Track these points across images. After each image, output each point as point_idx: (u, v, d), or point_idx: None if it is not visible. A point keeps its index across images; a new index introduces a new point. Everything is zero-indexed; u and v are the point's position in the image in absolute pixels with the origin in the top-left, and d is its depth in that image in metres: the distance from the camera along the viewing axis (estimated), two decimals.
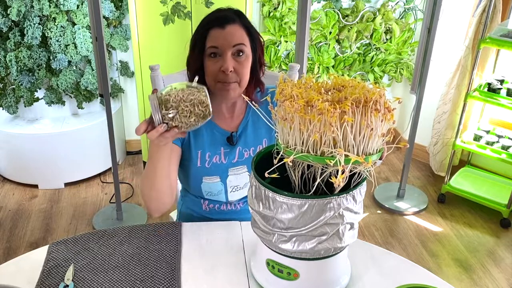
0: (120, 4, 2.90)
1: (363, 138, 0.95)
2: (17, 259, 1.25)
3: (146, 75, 2.91)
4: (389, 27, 3.19)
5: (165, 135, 1.11)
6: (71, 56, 2.73)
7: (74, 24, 2.73)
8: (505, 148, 2.69)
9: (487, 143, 2.75)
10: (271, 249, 1.07)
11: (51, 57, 2.74)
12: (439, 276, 1.22)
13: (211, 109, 1.11)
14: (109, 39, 2.89)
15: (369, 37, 3.18)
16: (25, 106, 2.87)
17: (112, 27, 2.95)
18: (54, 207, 2.83)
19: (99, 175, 3.13)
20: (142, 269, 1.21)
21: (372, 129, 0.95)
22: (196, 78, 1.16)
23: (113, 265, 1.22)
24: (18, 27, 2.68)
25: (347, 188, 1.01)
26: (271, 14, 3.01)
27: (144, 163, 3.10)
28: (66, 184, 3.02)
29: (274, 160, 1.00)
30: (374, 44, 3.21)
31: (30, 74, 2.76)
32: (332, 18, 3.05)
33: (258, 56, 1.37)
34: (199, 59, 1.34)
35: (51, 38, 2.67)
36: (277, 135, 1.04)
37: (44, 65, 2.75)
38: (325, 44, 3.14)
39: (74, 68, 2.83)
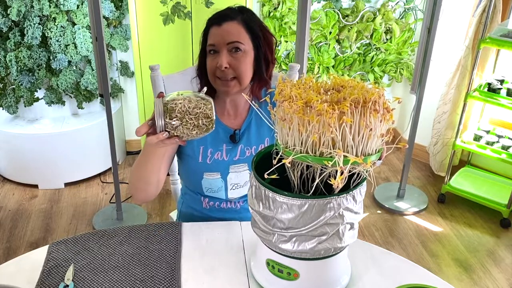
0: (120, 4, 2.90)
1: (362, 138, 0.95)
2: (17, 259, 1.25)
3: (146, 75, 2.91)
4: (389, 27, 3.19)
5: (165, 141, 1.12)
6: (71, 56, 2.73)
7: (74, 24, 2.73)
8: (505, 148, 2.69)
9: (487, 143, 2.75)
10: (271, 249, 1.07)
11: (51, 57, 2.74)
12: (439, 276, 1.22)
13: (214, 123, 1.11)
14: (109, 39, 2.89)
15: (369, 37, 3.18)
16: (25, 106, 2.87)
17: (112, 27, 2.95)
18: (54, 207, 2.83)
19: (99, 175, 3.13)
20: (142, 269, 1.21)
21: (371, 129, 0.95)
22: (205, 89, 1.17)
23: (113, 265, 1.22)
24: (18, 27, 2.68)
25: (347, 188, 1.01)
26: (271, 14, 3.01)
27: None
28: (66, 184, 3.02)
29: (274, 160, 1.00)
30: (374, 44, 3.21)
31: (30, 74, 2.76)
32: (332, 18, 3.05)
33: (263, 54, 1.38)
34: (203, 56, 1.39)
35: (51, 38, 2.67)
36: (276, 135, 1.04)
37: (44, 65, 2.75)
38: (325, 44, 3.14)
39: (74, 68, 2.83)
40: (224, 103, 1.45)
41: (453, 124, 2.93)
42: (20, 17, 2.60)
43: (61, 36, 2.69)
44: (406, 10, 3.21)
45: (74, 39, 2.72)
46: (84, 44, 2.73)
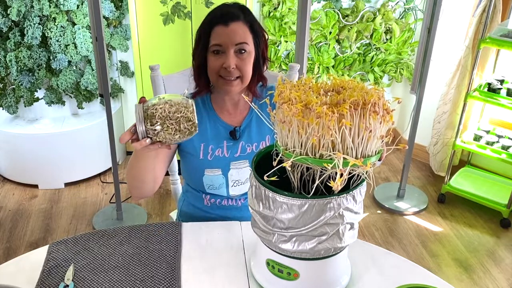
0: (120, 4, 2.90)
1: (362, 140, 0.95)
2: (17, 259, 1.25)
3: (146, 75, 2.90)
4: (389, 27, 3.19)
5: (149, 147, 1.11)
6: (71, 56, 2.73)
7: (74, 24, 2.73)
8: (505, 148, 2.69)
9: (487, 143, 2.75)
10: (271, 249, 1.07)
11: (51, 57, 2.74)
12: (439, 276, 1.22)
13: (197, 126, 1.09)
14: (109, 39, 2.89)
15: (369, 37, 3.18)
16: (25, 106, 2.87)
17: (112, 27, 2.95)
18: (54, 207, 2.83)
19: (99, 175, 3.13)
20: (142, 269, 1.21)
21: (370, 131, 0.95)
22: (186, 91, 1.16)
23: (113, 265, 1.22)
24: (18, 27, 2.68)
25: (347, 188, 1.01)
26: (271, 14, 3.01)
27: None
28: (66, 184, 3.02)
29: (274, 162, 1.00)
30: (374, 44, 3.21)
31: (30, 74, 2.76)
32: (332, 18, 3.05)
33: (261, 51, 1.39)
34: (202, 54, 1.37)
35: (51, 38, 2.67)
36: (276, 137, 1.04)
37: (44, 65, 2.75)
38: (325, 44, 3.14)
39: (74, 68, 2.83)
40: (223, 101, 1.45)
41: (453, 124, 2.93)
42: (20, 17, 2.60)
43: (61, 36, 2.69)
44: (406, 10, 3.21)
45: (74, 39, 2.72)
46: (84, 44, 2.73)
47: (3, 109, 2.87)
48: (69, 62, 2.80)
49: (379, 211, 2.85)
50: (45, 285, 1.14)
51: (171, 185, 1.81)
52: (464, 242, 2.61)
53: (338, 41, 3.18)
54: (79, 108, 2.97)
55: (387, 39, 3.22)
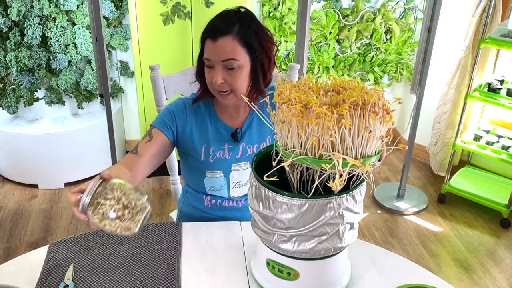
0: (120, 4, 2.90)
1: (362, 140, 0.95)
2: (17, 259, 1.25)
3: (146, 75, 2.91)
4: (389, 27, 3.19)
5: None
6: (71, 56, 2.73)
7: (74, 24, 2.73)
8: (505, 148, 2.69)
9: (487, 143, 2.75)
10: (271, 249, 1.07)
11: (51, 57, 2.74)
12: (439, 276, 1.22)
13: (134, 234, 0.99)
14: (109, 39, 2.89)
15: (369, 37, 3.18)
16: (25, 106, 2.87)
17: (112, 27, 2.95)
18: (54, 207, 2.83)
19: (99, 175, 3.13)
20: (142, 269, 1.21)
21: (370, 131, 0.95)
22: (145, 197, 1.02)
23: (113, 265, 1.22)
24: (18, 27, 2.68)
25: (347, 188, 1.01)
26: (271, 14, 3.01)
27: None
28: (66, 184, 3.02)
29: (273, 162, 1.00)
30: (374, 44, 3.21)
31: (30, 74, 2.76)
32: (332, 18, 3.05)
33: (260, 63, 1.34)
34: (200, 63, 1.37)
35: (51, 38, 2.67)
36: (276, 137, 1.04)
37: (44, 65, 2.75)
38: (325, 44, 3.14)
39: (74, 68, 2.83)
40: (226, 105, 1.44)
41: (453, 124, 2.93)
42: (20, 17, 2.60)
43: (61, 36, 2.69)
44: (406, 10, 3.21)
45: (74, 39, 2.72)
46: (84, 44, 2.73)
47: (3, 109, 2.87)
48: (69, 62, 2.80)
49: (379, 211, 2.85)
50: (45, 285, 1.14)
51: (171, 185, 1.81)
52: (464, 242, 2.61)
53: (338, 41, 3.18)
54: (79, 108, 2.97)
55: (387, 39, 3.22)
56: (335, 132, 0.93)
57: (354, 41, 3.16)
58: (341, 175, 0.92)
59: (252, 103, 1.18)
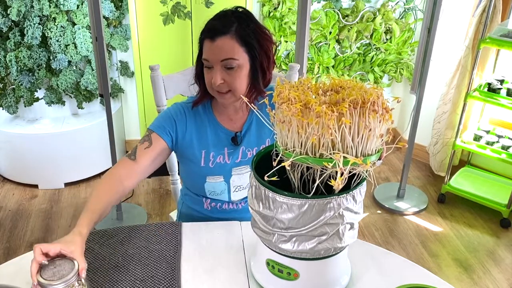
0: (120, 4, 2.90)
1: (362, 139, 0.95)
2: (17, 259, 1.25)
3: (146, 75, 2.91)
4: (389, 27, 3.19)
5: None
6: (71, 56, 2.73)
7: (74, 24, 2.73)
8: (505, 148, 2.69)
9: (487, 143, 2.75)
10: (271, 249, 1.07)
11: (51, 57, 2.74)
12: (439, 276, 1.22)
13: None
14: (109, 39, 2.89)
15: (369, 37, 3.18)
16: (25, 106, 2.87)
17: (112, 27, 2.95)
18: (54, 207, 2.83)
19: (99, 175, 3.13)
20: (142, 269, 1.21)
21: (370, 130, 0.95)
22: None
23: (113, 265, 1.22)
24: (18, 27, 2.68)
25: (347, 188, 1.01)
26: (271, 14, 3.01)
27: None
28: (66, 184, 3.02)
29: (274, 162, 1.00)
30: (374, 44, 3.21)
31: (30, 74, 2.76)
32: (332, 18, 3.05)
33: (260, 63, 1.33)
34: (199, 64, 1.37)
35: (51, 38, 2.67)
36: (276, 137, 1.04)
37: (44, 65, 2.75)
38: (325, 44, 3.14)
39: (74, 68, 2.83)
40: (225, 108, 1.43)
41: (453, 124, 2.93)
42: (20, 17, 2.60)
43: (61, 36, 2.69)
44: (406, 10, 3.21)
45: (74, 39, 2.72)
46: (84, 44, 2.73)
47: (3, 109, 2.87)
48: (69, 62, 2.80)
49: (379, 211, 2.85)
50: None
51: (171, 185, 1.81)
52: (464, 242, 2.61)
53: (338, 41, 3.18)
54: (79, 108, 2.97)
55: (387, 39, 3.22)
56: (335, 131, 0.93)
57: (354, 41, 3.16)
58: (342, 174, 0.93)
59: (251, 104, 1.18)
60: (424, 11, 2.88)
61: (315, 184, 0.98)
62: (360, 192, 1.04)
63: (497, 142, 2.74)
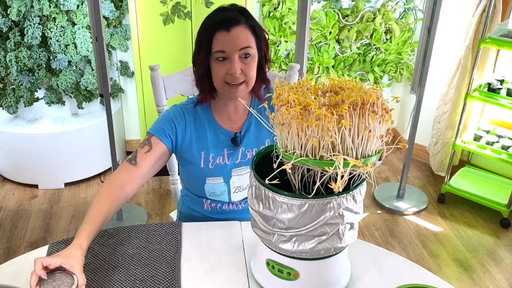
0: (120, 4, 2.90)
1: (362, 140, 0.95)
2: (17, 259, 1.25)
3: (146, 75, 2.91)
4: (389, 27, 3.19)
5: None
6: (71, 56, 2.73)
7: (74, 24, 2.73)
8: (505, 148, 2.69)
9: (487, 143, 2.75)
10: (271, 249, 1.07)
11: (51, 57, 2.74)
12: (439, 276, 1.22)
13: None
14: (109, 39, 2.89)
15: (369, 37, 3.18)
16: (25, 106, 2.87)
17: (112, 27, 2.95)
18: (54, 207, 2.83)
19: (99, 175, 3.13)
20: (142, 269, 1.21)
21: (370, 131, 0.95)
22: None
23: (113, 265, 1.22)
24: (18, 27, 2.68)
25: (347, 188, 1.01)
26: (271, 14, 3.01)
27: None
28: (66, 184, 3.02)
29: (274, 164, 0.99)
30: (374, 44, 3.21)
31: (30, 74, 2.76)
32: (332, 18, 3.05)
33: (263, 54, 1.37)
34: (206, 62, 1.34)
35: (51, 38, 2.67)
36: (275, 139, 1.04)
37: (44, 65, 2.75)
38: (325, 44, 3.14)
39: (74, 68, 2.83)
40: (226, 108, 1.43)
41: (453, 124, 2.93)
42: (20, 17, 2.60)
43: (61, 36, 2.69)
44: (406, 10, 3.21)
45: (74, 39, 2.72)
46: (84, 44, 2.73)
47: (3, 109, 2.87)
48: (69, 62, 2.80)
49: (379, 211, 2.85)
50: None
51: (171, 185, 1.81)
52: (464, 242, 2.61)
53: (338, 41, 3.18)
54: (79, 108, 2.97)
55: (387, 39, 3.22)
56: (335, 133, 0.93)
57: (354, 41, 3.16)
58: (342, 176, 0.92)
59: (251, 108, 1.18)
60: (424, 11, 2.88)
61: (315, 186, 0.98)
62: (360, 192, 1.04)
63: (497, 142, 2.74)
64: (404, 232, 2.68)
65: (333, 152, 0.95)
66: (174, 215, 1.80)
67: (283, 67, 3.12)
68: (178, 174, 1.75)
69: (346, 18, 3.12)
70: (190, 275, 1.20)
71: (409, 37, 3.23)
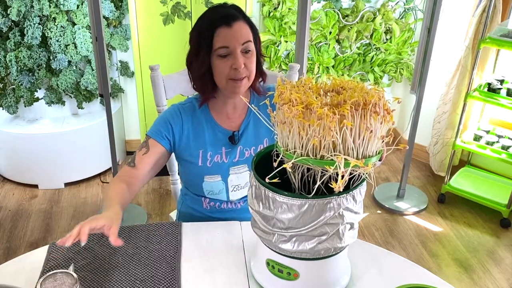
0: (120, 4, 2.90)
1: (363, 140, 0.95)
2: (17, 259, 1.25)
3: (146, 75, 2.91)
4: (389, 27, 3.19)
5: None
6: (71, 56, 2.73)
7: (74, 24, 2.73)
8: (505, 148, 2.69)
9: (487, 143, 2.75)
10: (271, 249, 1.07)
11: (51, 57, 2.74)
12: (439, 276, 1.22)
13: None
14: (109, 39, 2.89)
15: (369, 37, 3.18)
16: (25, 106, 2.87)
17: (112, 27, 2.95)
18: (54, 207, 2.83)
19: (99, 175, 3.13)
20: (142, 269, 1.21)
21: (371, 131, 0.95)
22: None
23: (113, 265, 1.22)
24: (18, 27, 2.68)
25: (347, 188, 1.01)
26: (271, 14, 3.01)
27: None
28: (66, 184, 3.02)
29: (274, 163, 0.99)
30: (374, 44, 3.21)
31: (30, 74, 2.76)
32: (332, 18, 3.05)
33: (258, 48, 1.39)
34: (207, 60, 1.34)
35: (51, 38, 2.67)
36: (276, 138, 1.04)
37: (44, 65, 2.75)
38: (325, 44, 3.14)
39: (74, 68, 2.83)
40: (224, 106, 1.44)
41: (453, 124, 2.93)
42: (20, 17, 2.60)
43: (61, 36, 2.69)
44: (406, 10, 3.21)
45: (74, 39, 2.72)
46: (84, 44, 2.73)
47: (3, 109, 2.87)
48: (69, 62, 2.80)
49: (379, 211, 2.85)
50: None
51: (171, 185, 1.81)
52: (464, 242, 2.61)
53: (338, 41, 3.18)
54: (79, 108, 2.97)
55: (387, 39, 3.22)
56: (336, 133, 0.93)
57: (354, 41, 3.16)
58: (342, 176, 0.92)
59: (252, 105, 1.18)
60: (424, 11, 2.88)
61: (316, 186, 0.98)
62: (360, 192, 1.04)
63: (497, 142, 2.74)
64: (404, 232, 2.68)
65: (334, 152, 0.95)
66: (174, 215, 1.80)
67: (283, 67, 3.12)
68: (178, 174, 1.75)
69: (346, 18, 3.12)
70: (190, 275, 1.20)
71: (409, 37, 3.23)
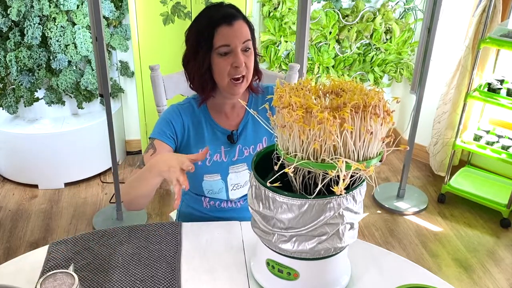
0: (120, 4, 2.90)
1: (363, 143, 0.95)
2: (17, 259, 1.25)
3: (146, 75, 2.91)
4: (389, 27, 3.19)
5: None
6: (71, 56, 2.73)
7: (74, 24, 2.73)
8: (505, 148, 2.69)
9: (487, 143, 2.75)
10: (271, 249, 1.07)
11: (51, 57, 2.74)
12: (439, 276, 1.22)
13: None
14: (109, 39, 2.89)
15: (369, 37, 3.18)
16: (25, 106, 2.87)
17: (112, 27, 2.95)
18: (54, 207, 2.83)
19: (99, 175, 3.13)
20: (142, 269, 1.21)
21: (372, 133, 0.94)
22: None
23: (113, 265, 1.22)
24: (18, 27, 2.68)
25: (347, 188, 1.00)
26: (271, 14, 3.01)
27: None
28: (66, 184, 3.02)
29: (275, 166, 0.99)
30: (374, 44, 3.21)
31: (30, 74, 2.76)
32: (332, 18, 3.05)
33: (255, 48, 1.40)
34: (207, 58, 1.34)
35: (51, 38, 2.67)
36: (276, 140, 1.04)
37: (44, 65, 2.75)
38: (325, 44, 3.14)
39: (74, 68, 2.83)
40: (223, 105, 1.44)
41: (453, 124, 2.93)
42: (20, 17, 2.60)
43: (61, 36, 2.69)
44: (406, 10, 3.21)
45: (74, 39, 2.72)
46: (84, 44, 2.73)
47: (3, 109, 2.87)
48: (69, 62, 2.80)
49: (379, 211, 2.85)
50: None
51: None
52: (464, 242, 2.61)
53: (338, 41, 3.18)
54: (79, 108, 2.97)
55: (387, 39, 3.22)
56: (337, 136, 0.93)
57: (354, 41, 3.16)
58: (344, 179, 0.92)
59: (251, 109, 1.18)
60: (424, 11, 2.88)
61: (317, 189, 0.98)
62: (360, 192, 1.04)
63: (497, 142, 2.74)
64: (404, 232, 2.68)
65: (335, 154, 0.95)
66: (174, 215, 1.80)
67: (283, 67, 3.12)
68: None
69: (346, 18, 3.12)
70: (190, 275, 1.20)
71: (409, 37, 3.23)
